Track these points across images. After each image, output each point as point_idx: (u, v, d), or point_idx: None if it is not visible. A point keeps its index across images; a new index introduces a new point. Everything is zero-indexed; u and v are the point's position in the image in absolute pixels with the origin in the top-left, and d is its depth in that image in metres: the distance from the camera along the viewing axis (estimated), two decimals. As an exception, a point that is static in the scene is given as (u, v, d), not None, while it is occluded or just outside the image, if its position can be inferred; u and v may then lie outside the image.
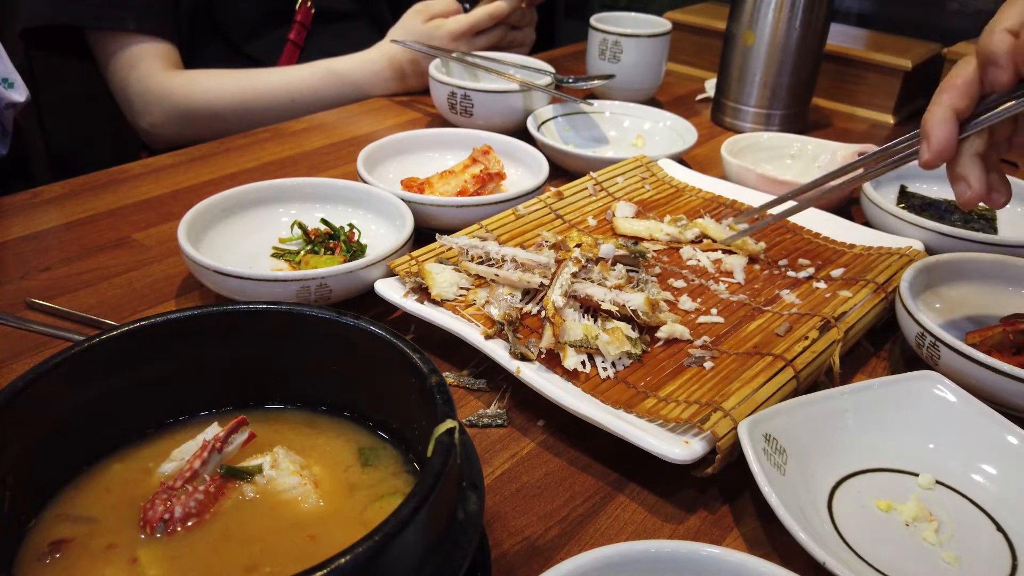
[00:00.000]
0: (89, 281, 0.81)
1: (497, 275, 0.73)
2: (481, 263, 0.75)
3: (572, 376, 0.64)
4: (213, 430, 0.49)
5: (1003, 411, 0.61)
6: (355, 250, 0.82)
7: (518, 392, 0.67)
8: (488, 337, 0.67)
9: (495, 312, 0.68)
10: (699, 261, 0.82)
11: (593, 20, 1.34)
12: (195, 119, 1.28)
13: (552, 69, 1.24)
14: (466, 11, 1.34)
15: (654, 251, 0.83)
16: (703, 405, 0.60)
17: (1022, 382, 0.62)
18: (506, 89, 1.15)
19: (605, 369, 0.65)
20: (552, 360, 0.65)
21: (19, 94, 0.99)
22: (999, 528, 0.56)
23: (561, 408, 0.62)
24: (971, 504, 0.58)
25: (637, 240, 0.84)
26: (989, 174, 0.62)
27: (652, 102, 1.36)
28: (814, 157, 1.09)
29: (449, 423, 0.42)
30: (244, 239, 0.83)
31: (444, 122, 1.22)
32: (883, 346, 0.77)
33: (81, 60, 1.34)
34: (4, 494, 0.42)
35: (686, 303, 0.74)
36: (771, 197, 0.94)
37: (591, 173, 0.96)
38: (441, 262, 0.75)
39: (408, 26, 1.32)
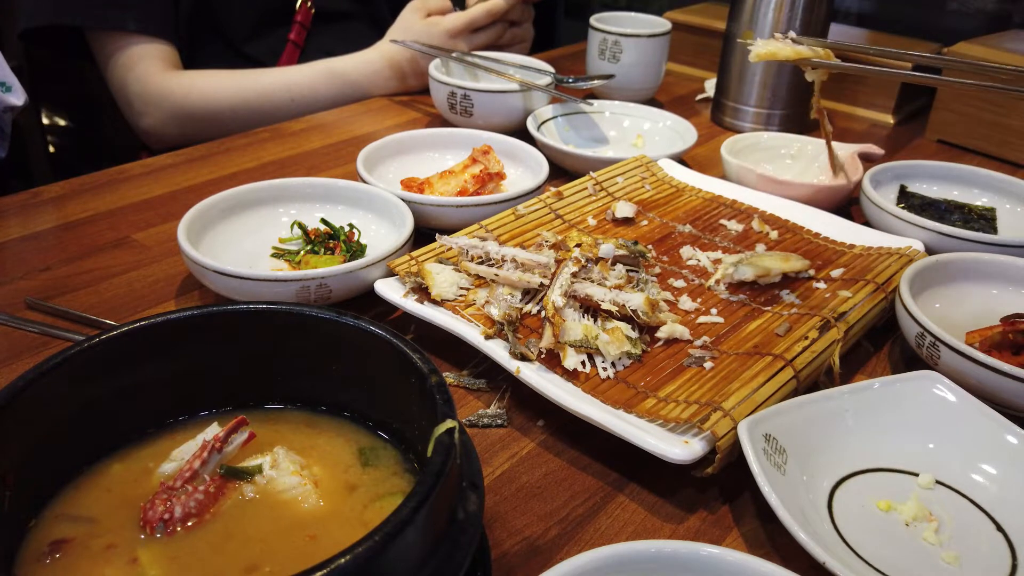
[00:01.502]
0: (89, 281, 0.81)
1: (497, 275, 0.73)
2: (481, 263, 0.75)
3: (572, 376, 0.64)
4: (213, 430, 0.49)
5: (1003, 411, 0.61)
6: (355, 250, 0.82)
7: (518, 392, 0.67)
8: (488, 337, 0.67)
9: (495, 312, 0.68)
10: (699, 261, 0.82)
11: (593, 20, 1.34)
12: (194, 119, 1.28)
13: (552, 69, 1.24)
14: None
15: (653, 253, 0.83)
16: (703, 405, 0.60)
17: (1022, 382, 0.62)
18: (506, 89, 1.15)
19: (605, 369, 0.65)
20: (552, 360, 0.65)
21: (17, 97, 0.99)
22: (999, 528, 0.56)
23: (561, 408, 0.62)
24: (971, 504, 0.58)
25: (636, 241, 0.84)
26: None
27: (652, 102, 1.36)
28: (814, 157, 1.09)
29: (449, 423, 0.42)
30: (244, 239, 0.83)
31: (444, 122, 1.22)
32: (883, 346, 0.77)
33: (81, 60, 1.34)
34: (4, 494, 0.42)
35: (686, 303, 0.74)
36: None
37: (591, 173, 0.96)
38: (441, 262, 0.75)
39: (406, 23, 1.32)
